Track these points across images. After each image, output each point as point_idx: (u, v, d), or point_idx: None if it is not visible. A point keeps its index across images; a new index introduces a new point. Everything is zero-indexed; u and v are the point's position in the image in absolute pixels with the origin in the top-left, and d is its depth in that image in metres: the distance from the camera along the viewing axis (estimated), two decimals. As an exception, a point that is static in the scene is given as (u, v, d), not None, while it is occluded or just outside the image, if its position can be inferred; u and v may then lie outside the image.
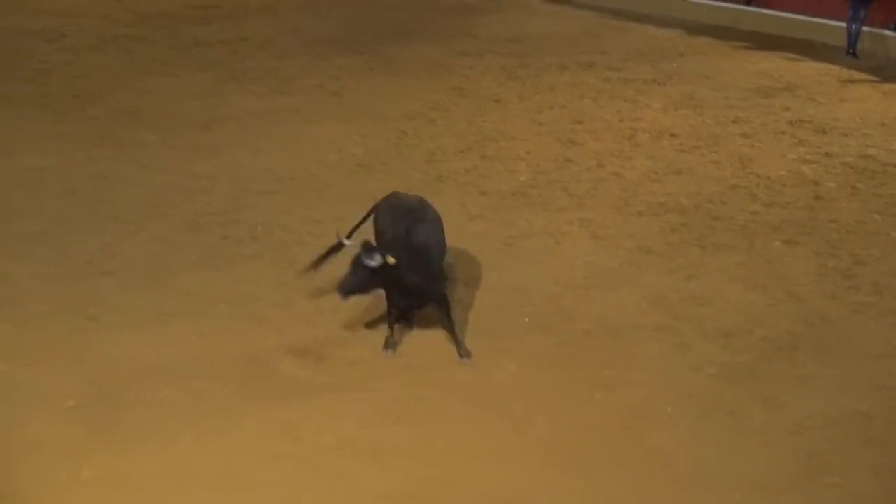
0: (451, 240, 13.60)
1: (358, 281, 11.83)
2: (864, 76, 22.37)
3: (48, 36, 24.09)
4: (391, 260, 11.73)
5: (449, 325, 12.55)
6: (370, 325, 12.93)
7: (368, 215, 12.95)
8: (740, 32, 25.48)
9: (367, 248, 11.75)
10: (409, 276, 11.98)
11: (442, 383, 11.94)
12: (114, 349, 12.35)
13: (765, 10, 25.94)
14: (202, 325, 12.85)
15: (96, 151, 17.66)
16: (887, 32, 23.84)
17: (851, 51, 23.58)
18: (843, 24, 23.77)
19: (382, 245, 12.02)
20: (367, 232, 12.78)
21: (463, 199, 16.10)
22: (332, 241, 12.77)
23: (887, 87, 21.67)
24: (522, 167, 17.35)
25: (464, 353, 12.39)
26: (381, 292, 12.40)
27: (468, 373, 12.14)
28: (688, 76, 22.02)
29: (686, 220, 15.65)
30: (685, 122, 19.30)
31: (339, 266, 12.32)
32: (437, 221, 12.63)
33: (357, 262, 11.80)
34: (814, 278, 14.19)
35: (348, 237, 12.64)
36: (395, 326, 12.60)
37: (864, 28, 23.60)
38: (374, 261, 11.70)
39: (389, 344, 12.51)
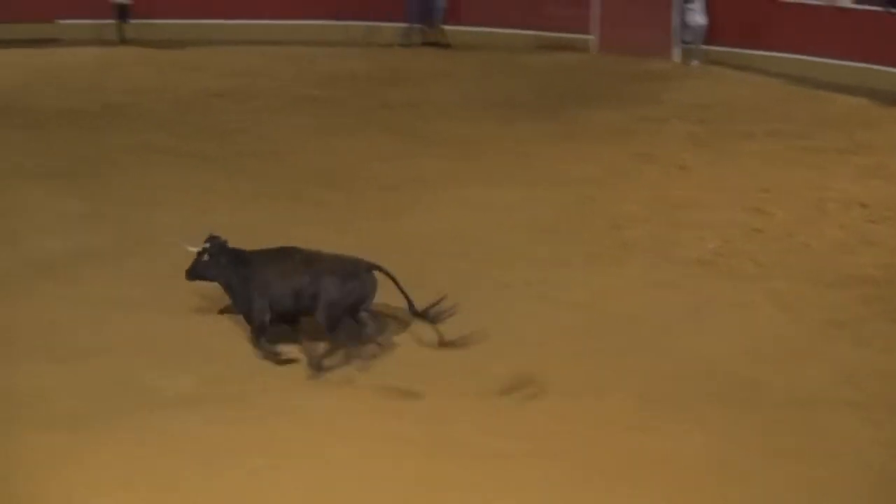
0: (638, 308, 13.65)
1: (193, 266, 13.74)
2: None
3: (238, 96, 24.64)
4: (189, 247, 13.72)
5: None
6: (543, 393, 12.85)
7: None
8: (933, 101, 24.96)
9: (207, 239, 13.71)
10: (217, 275, 13.68)
11: (621, 451, 11.78)
12: (306, 403, 12.51)
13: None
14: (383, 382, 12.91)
15: (284, 211, 17.90)
16: None
17: None
18: None
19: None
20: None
21: (648, 266, 15.97)
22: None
23: None
24: (709, 235, 17.14)
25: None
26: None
27: (647, 442, 11.95)
28: (878, 145, 21.59)
29: (878, 293, 15.28)
30: (876, 193, 18.91)
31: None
32: (307, 273, 13.36)
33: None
34: None
35: None
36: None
37: None
38: (190, 245, 13.74)
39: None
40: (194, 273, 13.78)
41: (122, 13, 29.42)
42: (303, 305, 13.43)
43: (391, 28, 29.72)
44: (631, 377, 13.20)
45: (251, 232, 16.70)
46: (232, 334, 13.94)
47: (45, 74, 26.49)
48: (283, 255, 13.59)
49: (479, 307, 14.64)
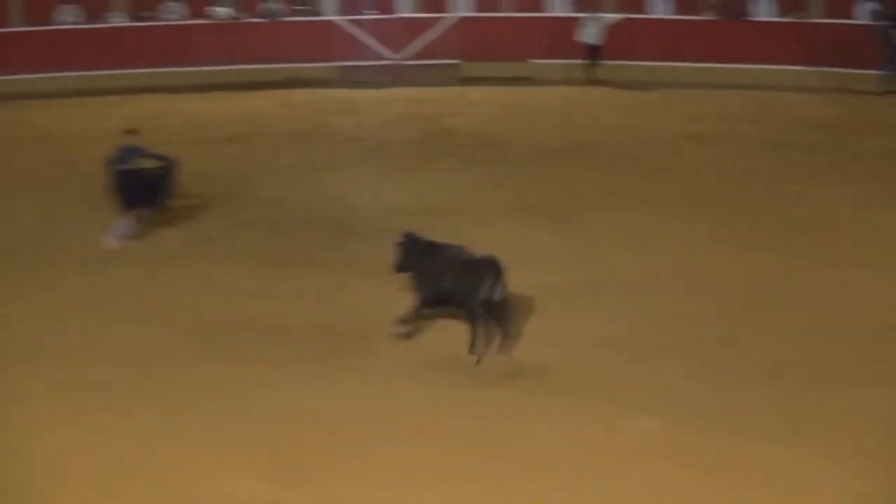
0: None
1: (395, 260, 15.34)
2: None
3: (705, 139, 24.99)
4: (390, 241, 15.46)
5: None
6: None
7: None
8: None
9: (403, 234, 15.39)
10: (413, 265, 15.21)
11: None
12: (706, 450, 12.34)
13: None
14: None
15: (746, 254, 17.84)
16: None
17: None
18: None
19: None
20: None
21: None
22: None
23: None
24: None
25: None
26: None
27: None
28: None
29: None
30: None
31: None
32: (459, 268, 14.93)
33: None
34: None
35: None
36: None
37: None
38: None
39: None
40: (399, 266, 15.37)
41: (593, 54, 30.15)
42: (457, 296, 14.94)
43: (864, 75, 29.25)
44: None
45: (696, 276, 16.88)
46: (700, 380, 13.98)
47: (518, 111, 27.57)
48: (453, 252, 15.18)
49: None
